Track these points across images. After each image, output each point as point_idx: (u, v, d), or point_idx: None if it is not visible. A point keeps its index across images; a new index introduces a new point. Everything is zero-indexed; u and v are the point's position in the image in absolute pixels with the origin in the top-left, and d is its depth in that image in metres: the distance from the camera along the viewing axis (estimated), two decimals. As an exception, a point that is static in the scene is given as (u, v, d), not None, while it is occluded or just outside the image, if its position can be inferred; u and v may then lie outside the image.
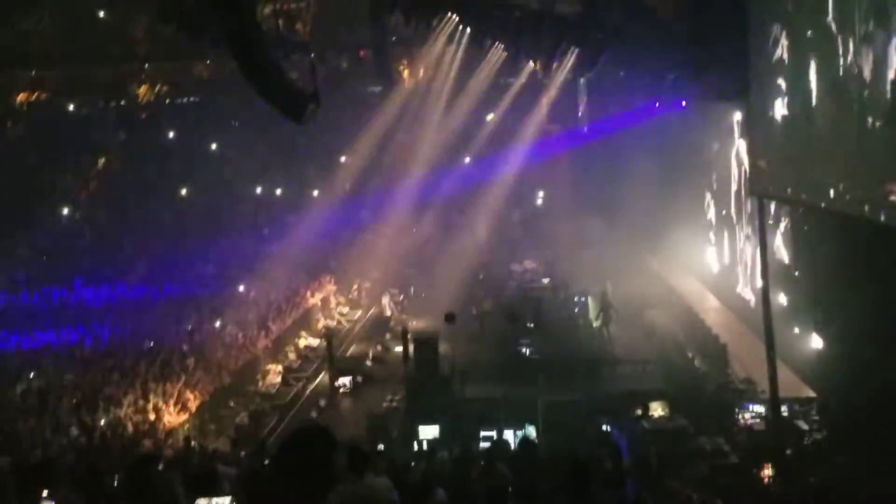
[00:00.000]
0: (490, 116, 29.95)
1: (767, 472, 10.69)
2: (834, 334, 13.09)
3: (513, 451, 11.37)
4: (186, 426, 17.74)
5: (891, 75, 7.86)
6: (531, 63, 24.64)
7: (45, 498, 5.67)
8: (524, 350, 19.39)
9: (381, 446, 14.66)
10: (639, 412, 14.34)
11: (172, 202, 31.18)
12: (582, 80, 27.15)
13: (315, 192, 30.67)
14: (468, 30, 23.09)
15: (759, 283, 16.35)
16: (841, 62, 9.20)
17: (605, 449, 11.74)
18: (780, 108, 11.46)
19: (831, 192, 9.44)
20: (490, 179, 29.92)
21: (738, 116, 19.26)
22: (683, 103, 19.62)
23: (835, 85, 9.51)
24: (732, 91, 15.01)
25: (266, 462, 9.79)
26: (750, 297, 19.36)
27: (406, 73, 31.15)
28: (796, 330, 15.01)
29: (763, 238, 11.93)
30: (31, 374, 19.60)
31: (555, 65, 23.68)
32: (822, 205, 9.88)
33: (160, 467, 7.58)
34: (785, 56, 11.18)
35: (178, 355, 20.58)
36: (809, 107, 10.29)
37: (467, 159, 30.59)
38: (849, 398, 11.85)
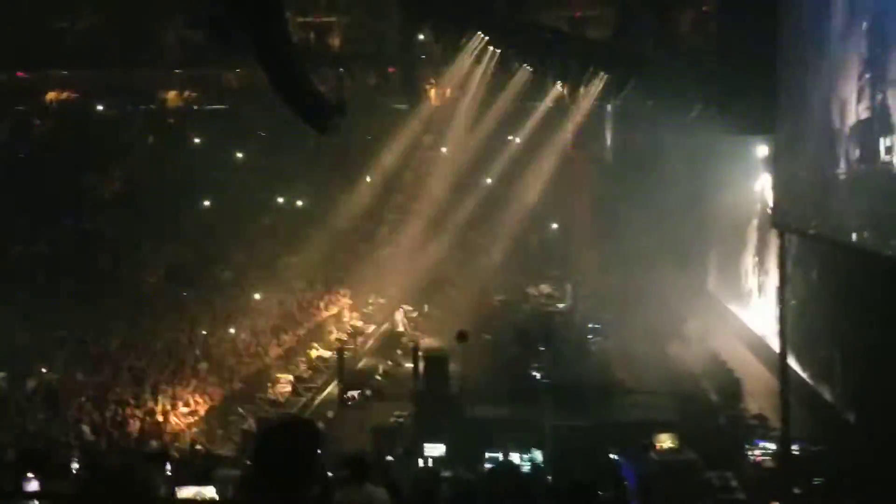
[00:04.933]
0: (514, 138, 30.00)
1: (775, 510, 10.53)
2: (844, 377, 12.95)
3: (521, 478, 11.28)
4: (194, 430, 17.76)
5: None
6: (558, 87, 24.81)
7: (29, 479, 5.68)
8: (535, 373, 19.26)
9: (389, 458, 14.60)
10: (647, 443, 14.16)
11: (194, 207, 31.38)
12: (609, 107, 27.18)
13: (337, 205, 30.82)
14: (496, 50, 23.24)
15: (774, 320, 16.23)
16: (866, 105, 9.15)
17: (611, 478, 11.64)
18: (806, 146, 11.41)
19: (853, 234, 9.36)
20: (510, 201, 29.96)
21: (762, 150, 19.15)
22: None
23: (859, 127, 9.45)
24: (759, 125, 14.95)
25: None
26: (765, 332, 19.15)
27: (433, 92, 31.28)
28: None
29: (783, 274, 11.81)
30: (42, 370, 19.70)
31: (582, 90, 23.81)
32: (846, 243, 9.78)
33: (168, 467, 7.59)
34: (812, 94, 11.14)
35: (190, 359, 20.68)
36: (835, 147, 10.24)
37: (489, 180, 30.61)
38: (859, 441, 11.69)
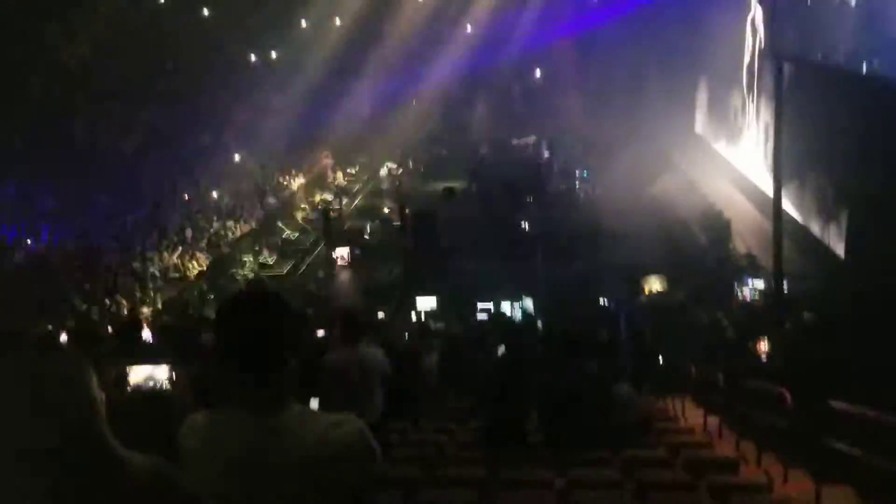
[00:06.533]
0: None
1: (764, 346, 10.66)
2: (837, 213, 12.85)
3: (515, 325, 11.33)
4: (185, 295, 17.79)
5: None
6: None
7: None
8: (523, 223, 19.21)
9: (380, 314, 14.69)
10: (636, 286, 14.28)
11: (164, 68, 30.16)
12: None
13: (310, 59, 29.72)
14: None
15: (764, 158, 15.99)
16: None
17: (601, 321, 11.73)
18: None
19: (864, 62, 8.94)
20: (491, 50, 28.91)
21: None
22: None
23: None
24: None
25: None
26: (754, 171, 18.94)
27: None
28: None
29: (779, 107, 11.32)
30: (29, 241, 19.47)
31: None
32: (856, 71, 9.37)
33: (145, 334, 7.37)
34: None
35: (175, 225, 20.49)
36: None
37: (468, 29, 29.40)
38: (850, 275, 11.73)
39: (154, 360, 4.12)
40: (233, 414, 1.89)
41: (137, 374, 4.02)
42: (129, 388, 3.90)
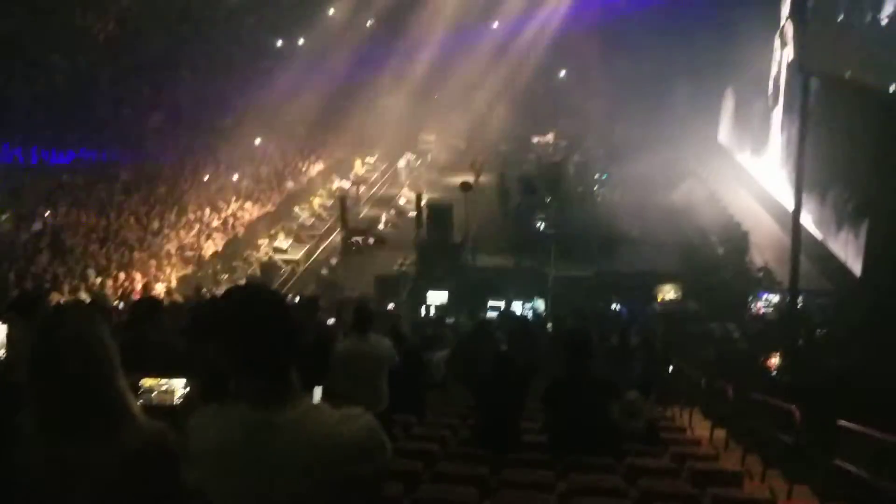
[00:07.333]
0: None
1: (775, 360, 10.58)
2: (855, 229, 12.74)
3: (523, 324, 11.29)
4: (199, 274, 17.85)
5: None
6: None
7: None
8: (539, 223, 19.13)
9: (391, 305, 14.70)
10: (649, 293, 14.18)
11: (190, 52, 30.24)
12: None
13: (336, 50, 29.71)
14: None
15: (786, 171, 15.85)
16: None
17: (612, 326, 11.66)
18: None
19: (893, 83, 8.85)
20: (514, 45, 28.76)
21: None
22: None
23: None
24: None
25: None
26: (775, 184, 18.79)
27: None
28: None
29: (804, 119, 11.21)
30: (46, 213, 19.55)
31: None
32: (884, 90, 9.28)
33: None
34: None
35: (193, 204, 20.54)
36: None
37: (495, 24, 29.28)
38: (864, 292, 11.62)
39: (168, 372, 3.61)
40: (237, 408, 1.86)
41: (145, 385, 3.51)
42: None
